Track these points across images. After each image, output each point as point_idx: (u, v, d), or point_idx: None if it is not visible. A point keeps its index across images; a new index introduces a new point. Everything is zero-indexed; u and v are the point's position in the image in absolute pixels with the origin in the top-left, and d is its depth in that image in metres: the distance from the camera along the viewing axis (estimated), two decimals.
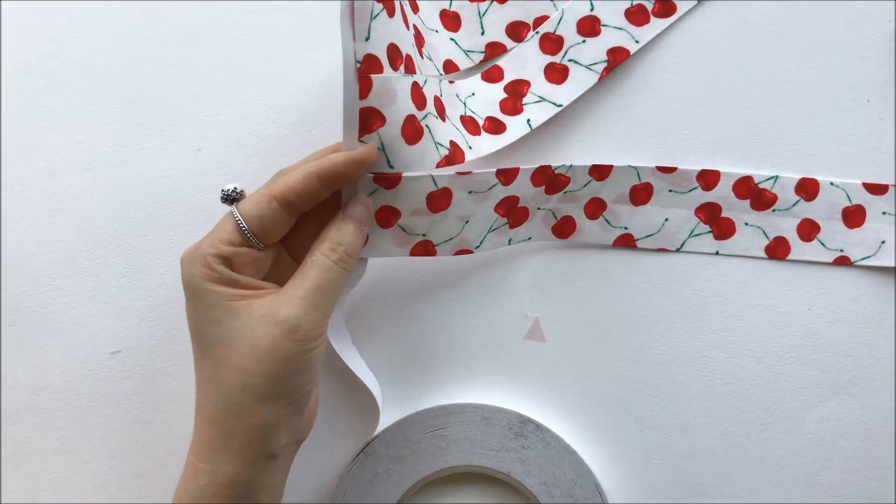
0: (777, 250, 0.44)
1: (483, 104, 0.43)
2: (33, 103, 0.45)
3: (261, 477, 0.35)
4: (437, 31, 0.44)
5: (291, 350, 0.34)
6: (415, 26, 0.40)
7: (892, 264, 0.44)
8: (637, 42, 0.44)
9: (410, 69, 0.37)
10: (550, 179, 0.42)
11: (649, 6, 0.44)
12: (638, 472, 0.44)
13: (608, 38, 0.44)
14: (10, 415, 0.44)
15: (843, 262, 0.44)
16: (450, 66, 0.44)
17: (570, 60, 0.44)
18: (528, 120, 0.43)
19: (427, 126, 0.38)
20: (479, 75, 0.44)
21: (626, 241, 0.44)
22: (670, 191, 0.44)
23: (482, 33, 0.44)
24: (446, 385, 0.44)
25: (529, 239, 0.44)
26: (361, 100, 0.35)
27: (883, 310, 0.44)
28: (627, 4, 0.44)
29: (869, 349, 0.44)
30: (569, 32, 0.44)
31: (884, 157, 0.44)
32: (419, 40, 0.41)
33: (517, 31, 0.45)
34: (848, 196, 0.44)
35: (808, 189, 0.44)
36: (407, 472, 0.43)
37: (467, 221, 0.40)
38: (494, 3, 0.44)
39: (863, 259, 0.44)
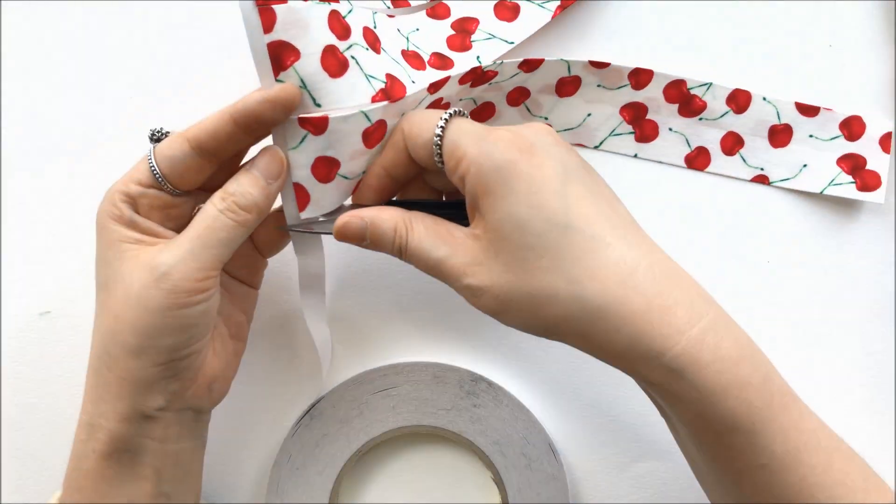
0: (697, 160, 0.43)
1: (428, 40, 0.41)
2: None
3: (139, 437, 0.33)
4: None
5: (160, 301, 0.31)
6: None
7: (811, 190, 0.43)
8: None
9: None
10: (478, 77, 0.40)
11: None
12: (592, 430, 0.43)
13: None
14: None
15: (761, 180, 0.43)
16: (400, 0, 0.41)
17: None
18: (478, 57, 0.41)
19: (353, 57, 0.35)
20: (423, 12, 0.42)
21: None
22: (598, 85, 0.43)
23: None
24: (395, 343, 0.43)
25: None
26: (267, 34, 0.32)
27: (848, 260, 0.43)
28: None
29: (836, 300, 0.43)
30: None
31: (819, 83, 0.43)
32: None
33: None
34: (778, 113, 0.43)
35: (739, 101, 0.43)
36: (355, 434, 0.41)
37: None
38: None
39: (782, 180, 0.43)
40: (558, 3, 0.42)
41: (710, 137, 0.43)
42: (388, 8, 0.41)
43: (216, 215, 0.33)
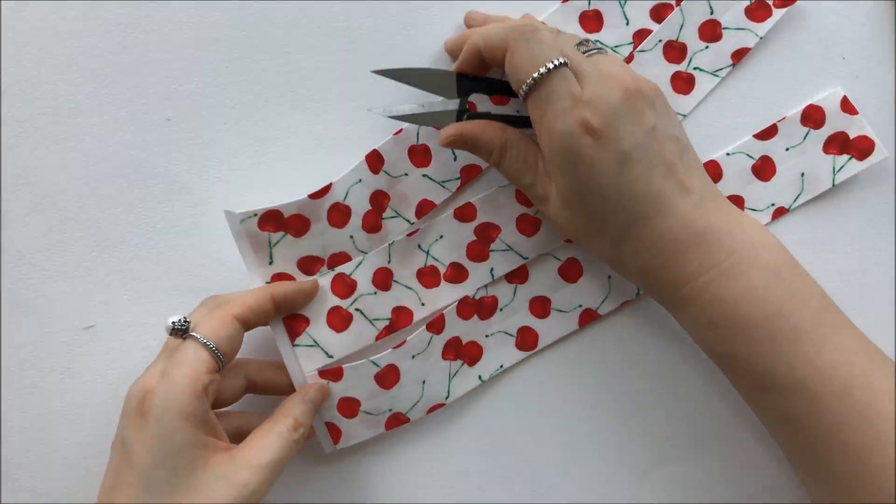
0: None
1: (450, 248, 0.43)
2: None
3: None
4: (406, 175, 0.43)
5: None
6: (374, 193, 0.42)
7: (822, 190, 0.44)
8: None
9: (339, 262, 0.42)
10: (477, 306, 0.43)
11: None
12: (613, 437, 0.44)
13: None
14: None
15: (780, 213, 0.44)
16: (424, 207, 0.43)
17: (536, 213, 0.43)
18: (492, 269, 0.43)
19: (358, 309, 0.41)
20: (451, 212, 0.43)
21: (589, 317, 0.44)
22: None
23: (455, 158, 0.43)
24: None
25: (501, 367, 0.43)
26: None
27: (862, 267, 0.45)
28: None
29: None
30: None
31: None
32: (381, 201, 0.42)
33: None
34: (748, 154, 0.44)
35: (712, 172, 0.44)
36: None
37: (424, 381, 0.42)
38: None
39: (795, 200, 0.44)
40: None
41: None
42: (409, 223, 0.43)
43: (292, 445, 0.36)
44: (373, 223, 0.42)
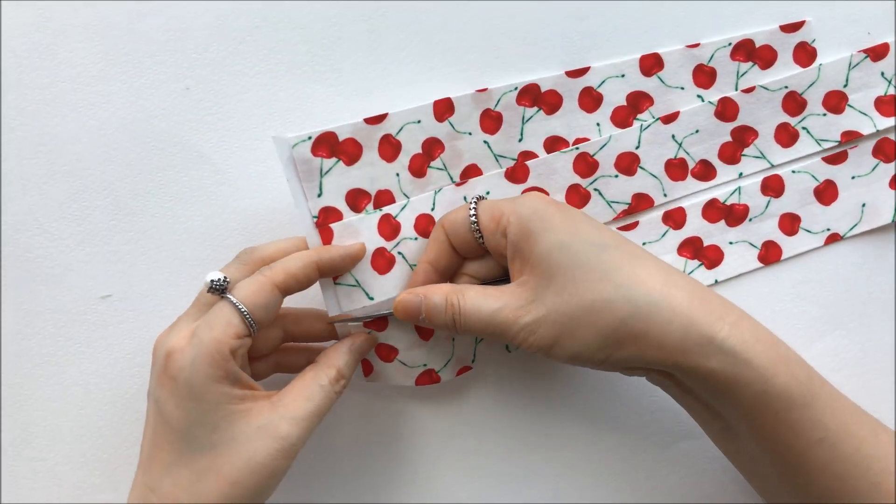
0: (769, 255, 0.44)
1: None
2: (15, 41, 0.43)
3: None
4: (469, 134, 0.43)
5: (284, 466, 0.34)
6: (430, 140, 0.42)
7: (882, 223, 0.44)
8: (665, 196, 0.43)
9: (386, 201, 0.41)
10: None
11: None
12: (635, 414, 0.44)
13: (638, 183, 0.43)
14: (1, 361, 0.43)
15: (833, 239, 0.44)
16: (471, 171, 0.43)
17: (594, 189, 0.43)
18: None
19: (400, 253, 0.41)
20: (504, 170, 0.43)
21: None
22: (644, 243, 0.44)
23: (520, 139, 0.43)
24: None
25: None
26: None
27: (881, 245, 0.44)
28: (669, 156, 0.43)
29: (867, 284, 0.44)
30: (606, 162, 0.43)
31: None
32: (433, 150, 0.42)
33: (555, 146, 0.43)
34: (813, 176, 0.44)
35: (773, 186, 0.44)
36: None
37: (454, 338, 0.42)
38: (541, 111, 0.43)
39: (851, 229, 0.44)
40: (625, 207, 0.43)
41: (768, 230, 0.44)
42: (452, 180, 0.42)
43: (333, 396, 0.36)
44: (418, 167, 0.42)
